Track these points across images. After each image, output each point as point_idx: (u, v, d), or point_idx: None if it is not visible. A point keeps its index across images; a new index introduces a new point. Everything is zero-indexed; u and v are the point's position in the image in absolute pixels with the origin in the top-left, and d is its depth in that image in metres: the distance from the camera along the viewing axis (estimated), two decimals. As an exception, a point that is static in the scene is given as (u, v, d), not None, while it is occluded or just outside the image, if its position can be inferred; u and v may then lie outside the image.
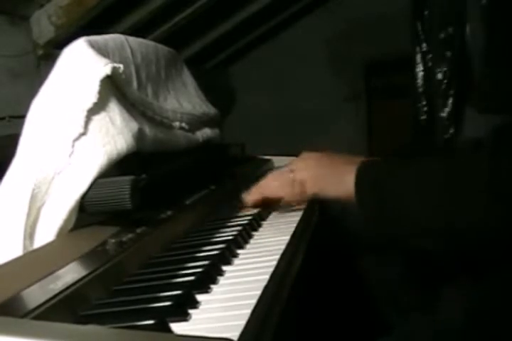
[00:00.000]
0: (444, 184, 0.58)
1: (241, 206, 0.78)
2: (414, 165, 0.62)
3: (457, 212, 0.56)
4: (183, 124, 0.85)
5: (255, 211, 0.76)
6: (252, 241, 0.65)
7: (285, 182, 0.72)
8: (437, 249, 0.62)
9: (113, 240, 0.54)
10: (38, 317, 0.39)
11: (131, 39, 0.79)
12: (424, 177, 0.60)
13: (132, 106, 0.70)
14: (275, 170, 0.78)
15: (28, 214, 0.57)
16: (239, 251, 0.60)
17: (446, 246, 0.61)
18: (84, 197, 0.58)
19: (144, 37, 0.87)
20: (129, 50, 0.77)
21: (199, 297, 0.47)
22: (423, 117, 0.87)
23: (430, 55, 0.83)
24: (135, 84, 0.76)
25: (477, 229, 0.56)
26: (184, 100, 0.92)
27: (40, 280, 0.43)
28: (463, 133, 0.72)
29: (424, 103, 0.86)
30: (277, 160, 1.13)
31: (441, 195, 0.58)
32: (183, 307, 0.44)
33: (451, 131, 0.75)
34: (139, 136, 0.66)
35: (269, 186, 0.75)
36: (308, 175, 0.70)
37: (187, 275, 0.52)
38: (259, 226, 0.71)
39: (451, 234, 0.58)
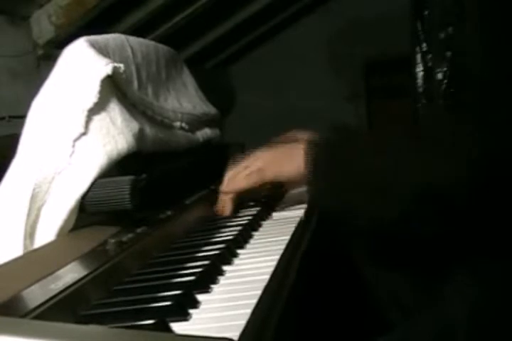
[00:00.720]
0: (405, 145, 0.58)
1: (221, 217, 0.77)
2: (365, 135, 0.63)
3: (423, 170, 0.55)
4: (184, 124, 0.85)
5: (254, 211, 0.76)
6: (252, 241, 0.65)
7: (242, 174, 0.72)
8: (426, 232, 0.60)
9: (113, 240, 0.54)
10: (38, 317, 0.39)
11: (132, 39, 0.79)
12: (381, 142, 0.60)
13: (133, 106, 0.70)
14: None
15: (29, 214, 0.57)
16: (239, 251, 0.60)
17: (431, 225, 0.59)
18: (84, 197, 0.58)
19: (143, 37, 0.87)
20: (129, 50, 0.77)
21: (199, 297, 0.47)
22: (423, 117, 0.87)
23: (430, 55, 0.83)
24: (136, 84, 0.76)
25: (447, 187, 0.55)
26: (184, 100, 0.92)
27: (40, 280, 0.43)
28: None
29: (424, 103, 0.86)
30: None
31: (401, 155, 0.57)
32: (183, 307, 0.44)
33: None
34: (140, 136, 0.66)
35: (230, 185, 0.73)
36: (262, 163, 0.70)
37: (187, 275, 0.52)
38: (260, 226, 0.71)
39: (420, 196, 0.56)
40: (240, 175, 0.72)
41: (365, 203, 0.60)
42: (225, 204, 0.75)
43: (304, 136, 0.74)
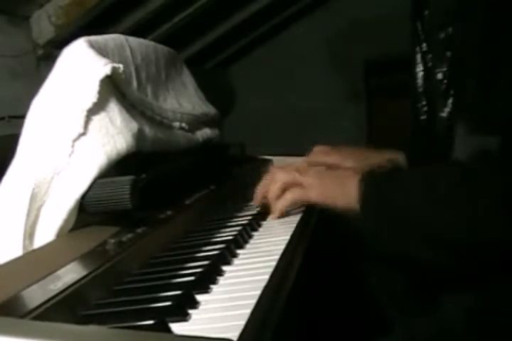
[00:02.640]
0: (453, 196, 0.57)
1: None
2: (419, 175, 0.62)
3: (469, 225, 0.55)
4: (183, 124, 0.85)
5: (254, 212, 0.76)
6: (251, 241, 0.65)
7: (288, 185, 0.71)
8: (440, 263, 0.61)
9: (113, 240, 0.54)
10: (37, 318, 0.39)
11: (131, 39, 0.79)
12: (432, 188, 0.59)
13: (132, 106, 0.70)
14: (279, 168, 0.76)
15: (28, 214, 0.57)
16: (239, 251, 0.60)
17: (451, 260, 0.60)
18: (84, 197, 0.58)
19: (143, 37, 0.87)
20: (128, 50, 0.77)
21: (199, 297, 0.47)
22: (423, 117, 0.87)
23: (430, 55, 0.83)
24: (135, 84, 0.76)
25: (490, 243, 0.56)
26: (184, 100, 0.92)
27: (40, 280, 0.43)
28: (452, 153, 0.72)
29: (424, 103, 0.86)
30: (277, 160, 1.13)
31: (450, 208, 0.57)
32: (182, 308, 0.44)
33: (451, 131, 0.75)
34: (139, 136, 0.66)
35: (272, 191, 0.73)
36: (313, 182, 0.69)
37: (187, 275, 0.52)
38: (259, 226, 0.71)
39: (462, 248, 0.57)
40: (287, 178, 0.72)
41: (410, 248, 0.61)
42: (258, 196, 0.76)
43: (354, 164, 0.74)
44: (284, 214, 0.73)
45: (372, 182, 0.63)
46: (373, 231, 0.62)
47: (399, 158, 0.85)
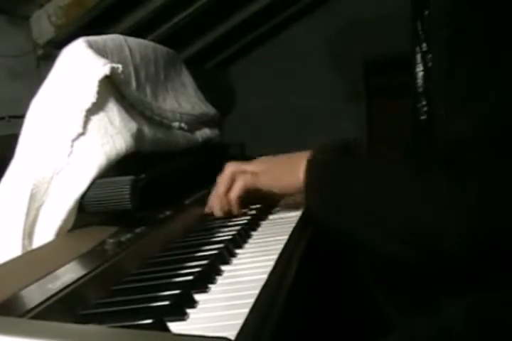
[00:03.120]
0: (394, 183, 0.57)
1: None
2: (366, 160, 0.62)
3: (421, 215, 0.54)
4: (182, 124, 0.85)
5: (253, 211, 0.76)
6: (250, 240, 0.65)
7: (236, 174, 0.71)
8: (405, 256, 0.60)
9: (112, 240, 0.54)
10: (36, 317, 0.39)
11: (130, 39, 0.79)
12: (375, 173, 0.59)
13: (131, 107, 0.71)
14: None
15: (27, 214, 0.57)
16: (237, 251, 0.60)
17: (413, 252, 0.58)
18: (84, 197, 0.58)
19: (143, 37, 0.87)
20: (127, 51, 0.77)
21: (197, 296, 0.47)
22: (423, 117, 0.87)
23: (430, 55, 0.83)
24: (134, 84, 0.76)
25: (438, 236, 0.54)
26: (183, 100, 0.92)
27: (38, 279, 0.43)
28: None
29: (424, 103, 0.86)
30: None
31: (400, 197, 0.56)
32: (181, 307, 0.44)
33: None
34: (138, 136, 0.66)
35: (221, 183, 0.72)
36: (260, 168, 0.69)
37: (185, 274, 0.52)
38: (258, 226, 0.71)
39: (411, 239, 0.56)
40: (234, 172, 0.71)
41: (357, 226, 0.59)
42: (214, 204, 0.73)
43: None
44: (240, 205, 0.72)
45: (318, 162, 0.63)
46: (318, 209, 0.62)
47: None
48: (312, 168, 0.62)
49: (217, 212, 0.72)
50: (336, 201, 0.60)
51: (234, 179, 0.71)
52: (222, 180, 0.72)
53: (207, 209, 0.73)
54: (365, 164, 0.61)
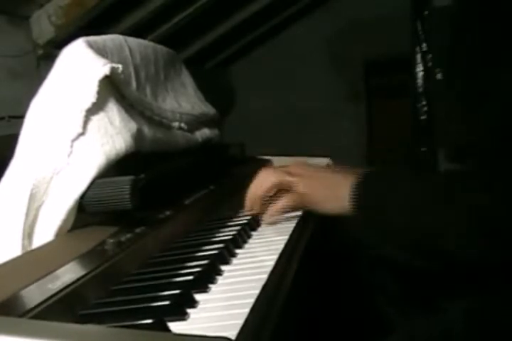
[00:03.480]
0: (432, 207, 0.59)
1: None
2: (403, 183, 0.63)
3: (444, 237, 0.57)
4: (182, 124, 0.85)
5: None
6: (250, 240, 0.65)
7: (280, 186, 0.71)
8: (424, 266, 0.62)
9: (112, 240, 0.54)
10: (36, 317, 0.39)
11: (130, 39, 0.79)
12: (412, 197, 0.60)
13: (131, 107, 0.70)
14: (268, 173, 0.74)
15: (27, 214, 0.57)
16: (237, 251, 0.60)
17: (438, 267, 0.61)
18: (84, 197, 0.58)
19: (143, 37, 0.87)
20: (127, 51, 0.77)
21: (197, 296, 0.47)
22: (423, 117, 0.87)
23: (430, 55, 0.83)
24: (134, 84, 0.76)
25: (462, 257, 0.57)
26: (183, 100, 0.92)
27: (38, 279, 0.43)
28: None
29: (424, 103, 0.86)
30: (277, 160, 1.13)
31: (426, 216, 0.58)
32: (181, 307, 0.44)
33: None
34: (138, 136, 0.66)
35: (261, 189, 0.72)
36: (305, 186, 0.69)
37: (185, 274, 0.52)
38: (258, 226, 0.71)
39: (433, 253, 0.59)
40: (281, 184, 0.71)
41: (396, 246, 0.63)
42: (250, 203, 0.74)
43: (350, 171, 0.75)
44: (276, 220, 0.72)
45: (364, 186, 0.63)
46: (364, 234, 0.63)
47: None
48: (358, 199, 0.63)
49: (247, 209, 0.74)
50: (380, 228, 0.62)
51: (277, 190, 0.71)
52: (263, 191, 0.72)
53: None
54: (408, 191, 0.62)
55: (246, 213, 0.75)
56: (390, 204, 0.61)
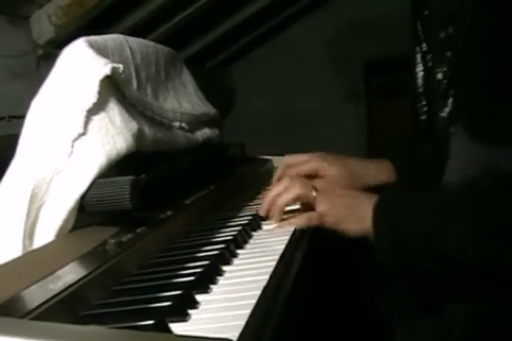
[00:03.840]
0: (460, 222, 0.59)
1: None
2: (430, 200, 0.63)
3: (475, 252, 0.57)
4: (183, 124, 0.85)
5: (254, 212, 0.76)
6: (251, 241, 0.65)
7: (307, 200, 0.71)
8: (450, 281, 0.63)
9: (113, 240, 0.54)
10: (37, 318, 0.39)
11: (131, 39, 0.79)
12: (441, 215, 0.61)
13: (132, 106, 0.70)
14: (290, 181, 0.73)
15: (28, 215, 0.57)
16: (238, 251, 0.60)
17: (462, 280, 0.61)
18: (84, 197, 0.58)
19: (143, 37, 0.87)
20: (128, 50, 0.77)
21: (199, 297, 0.47)
22: (423, 117, 0.87)
23: (430, 55, 0.83)
24: (135, 84, 0.76)
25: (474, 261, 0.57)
26: (183, 100, 0.92)
27: (39, 280, 0.43)
28: (450, 157, 0.72)
29: (424, 103, 0.86)
30: (277, 160, 1.13)
31: (446, 232, 0.59)
32: (182, 308, 0.44)
33: (451, 131, 0.75)
34: (139, 136, 0.66)
35: (285, 200, 0.72)
36: (327, 206, 0.69)
37: (187, 275, 0.52)
38: (259, 226, 0.71)
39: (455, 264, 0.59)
40: (305, 200, 0.71)
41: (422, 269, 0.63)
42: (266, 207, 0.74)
43: (335, 172, 0.75)
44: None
45: (385, 208, 0.64)
46: (387, 257, 0.63)
47: (387, 168, 0.84)
48: (379, 222, 0.63)
49: (263, 214, 0.74)
50: (404, 249, 0.62)
51: (294, 198, 0.71)
52: (285, 199, 0.71)
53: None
54: (428, 209, 0.62)
55: (248, 209, 0.75)
56: (412, 224, 0.61)
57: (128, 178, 0.58)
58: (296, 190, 0.70)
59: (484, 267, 0.57)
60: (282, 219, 0.72)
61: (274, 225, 0.71)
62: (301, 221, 0.70)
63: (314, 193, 0.70)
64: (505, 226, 0.55)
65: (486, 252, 0.56)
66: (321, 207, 0.69)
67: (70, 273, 0.45)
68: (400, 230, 0.61)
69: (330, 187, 0.72)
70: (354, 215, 0.66)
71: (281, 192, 0.71)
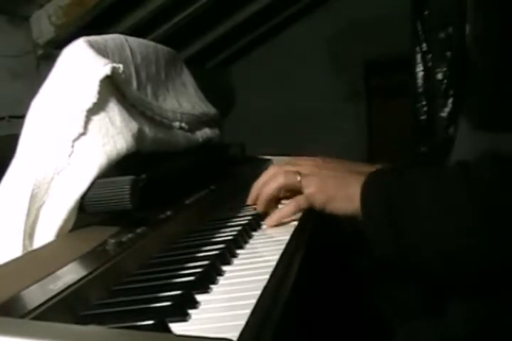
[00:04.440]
0: (457, 205, 0.57)
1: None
2: (424, 179, 0.61)
3: (472, 236, 0.55)
4: (183, 124, 0.85)
5: (254, 211, 0.76)
6: (251, 241, 0.65)
7: (293, 187, 0.70)
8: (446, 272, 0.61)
9: (113, 240, 0.54)
10: (37, 318, 0.39)
11: (131, 39, 0.79)
12: (436, 196, 0.59)
13: (132, 107, 0.70)
14: (278, 170, 0.74)
15: (28, 215, 0.57)
16: (238, 251, 0.60)
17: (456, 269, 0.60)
18: (84, 197, 0.58)
19: (143, 37, 0.87)
20: (128, 50, 0.77)
21: (199, 297, 0.47)
22: (423, 117, 0.87)
23: (430, 55, 0.83)
24: (135, 84, 0.76)
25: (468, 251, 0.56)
26: (184, 100, 0.92)
27: (39, 280, 0.43)
28: (453, 150, 0.71)
29: (424, 103, 0.86)
30: (277, 160, 1.13)
31: (453, 217, 0.57)
32: (182, 308, 0.44)
33: (451, 131, 0.75)
34: (139, 136, 0.66)
35: (271, 189, 0.72)
36: (316, 187, 0.68)
37: (187, 275, 0.52)
38: (259, 226, 0.71)
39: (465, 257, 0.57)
40: (291, 184, 0.70)
41: (416, 252, 0.60)
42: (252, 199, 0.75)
43: (359, 168, 0.74)
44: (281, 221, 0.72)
45: (375, 186, 0.62)
46: (376, 236, 0.61)
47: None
48: (368, 199, 0.61)
49: (250, 202, 0.75)
50: (396, 234, 0.59)
51: (280, 187, 0.71)
52: (271, 189, 0.72)
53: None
54: (421, 187, 0.60)
55: (248, 209, 0.75)
56: (402, 205, 0.59)
57: (128, 178, 0.58)
58: (280, 178, 0.71)
59: (486, 258, 0.56)
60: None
61: (266, 220, 0.71)
62: (290, 208, 0.69)
63: (299, 178, 0.70)
64: (504, 214, 0.54)
65: (487, 240, 0.55)
66: (308, 189, 0.68)
67: (70, 273, 0.45)
68: (390, 207, 0.59)
69: (316, 169, 0.72)
70: (342, 194, 0.65)
71: (266, 182, 0.72)
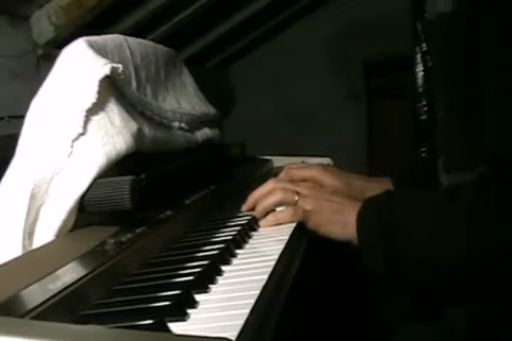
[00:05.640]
0: (450, 225, 0.59)
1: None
2: (416, 204, 0.63)
3: (469, 255, 0.57)
4: (183, 124, 0.85)
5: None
6: (251, 241, 0.65)
7: (289, 204, 0.71)
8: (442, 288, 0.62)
9: (112, 240, 0.54)
10: (36, 317, 0.39)
11: (131, 39, 0.79)
12: (430, 219, 0.61)
13: (131, 107, 0.70)
14: (276, 182, 0.74)
15: (28, 214, 0.57)
16: (238, 251, 0.60)
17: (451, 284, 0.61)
18: (83, 197, 0.58)
19: (143, 37, 0.87)
20: (128, 50, 0.77)
21: (198, 297, 0.47)
22: (423, 117, 0.87)
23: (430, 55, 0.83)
24: (134, 84, 0.76)
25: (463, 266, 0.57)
26: (183, 100, 0.92)
27: (39, 280, 0.43)
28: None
29: (424, 103, 0.86)
30: (277, 160, 1.13)
31: (432, 235, 0.59)
32: (181, 307, 0.44)
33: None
34: (138, 136, 0.66)
35: (268, 203, 0.73)
36: (311, 206, 0.69)
37: (186, 275, 0.52)
38: (258, 226, 0.71)
39: (460, 274, 0.58)
40: (287, 201, 0.71)
41: (413, 273, 0.62)
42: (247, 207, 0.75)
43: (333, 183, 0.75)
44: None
45: (370, 214, 0.63)
46: (374, 263, 0.63)
47: (387, 185, 0.84)
48: (364, 228, 0.63)
49: (245, 210, 0.75)
50: (390, 260, 0.61)
51: (276, 202, 0.72)
52: (267, 203, 0.72)
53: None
54: (417, 217, 0.62)
55: (246, 213, 0.75)
56: (394, 234, 0.61)
57: (128, 178, 0.59)
58: (278, 195, 0.71)
59: (482, 273, 0.57)
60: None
61: (261, 221, 0.72)
62: (287, 216, 0.70)
63: (296, 197, 0.70)
64: (500, 234, 0.55)
65: (483, 258, 0.56)
66: (307, 206, 0.69)
67: (70, 273, 0.45)
68: (386, 234, 0.61)
69: (314, 191, 0.72)
70: (337, 220, 0.66)
71: (265, 194, 0.72)
